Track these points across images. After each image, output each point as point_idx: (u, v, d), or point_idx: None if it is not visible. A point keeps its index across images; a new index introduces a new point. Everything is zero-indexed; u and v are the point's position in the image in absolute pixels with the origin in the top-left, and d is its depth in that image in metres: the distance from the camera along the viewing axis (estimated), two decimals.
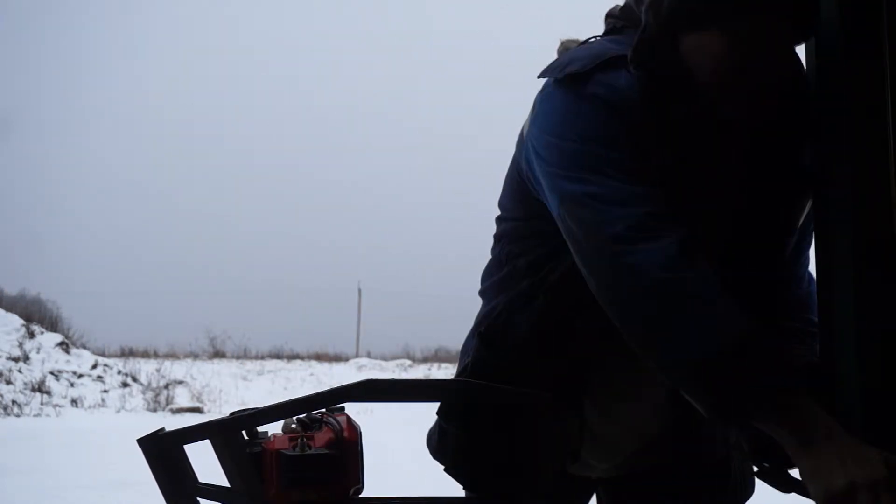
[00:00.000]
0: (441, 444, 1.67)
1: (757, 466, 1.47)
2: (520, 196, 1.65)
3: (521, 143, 1.64)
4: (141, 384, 14.97)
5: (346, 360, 22.24)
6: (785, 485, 1.41)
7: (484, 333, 1.62)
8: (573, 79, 1.51)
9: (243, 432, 1.45)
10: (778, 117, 1.54)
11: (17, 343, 14.60)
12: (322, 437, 1.42)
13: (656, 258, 1.36)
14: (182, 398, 14.22)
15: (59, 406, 13.14)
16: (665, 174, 1.48)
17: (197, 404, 13.81)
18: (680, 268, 1.35)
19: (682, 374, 1.34)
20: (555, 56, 1.66)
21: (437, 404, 1.62)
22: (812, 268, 1.51)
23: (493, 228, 1.80)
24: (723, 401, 1.31)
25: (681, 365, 1.33)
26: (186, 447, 1.45)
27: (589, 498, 1.81)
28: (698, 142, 1.52)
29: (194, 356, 21.89)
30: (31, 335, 15.09)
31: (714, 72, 1.46)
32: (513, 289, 1.62)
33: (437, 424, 1.69)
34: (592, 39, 1.65)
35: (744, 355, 1.30)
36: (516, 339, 1.58)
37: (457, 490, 1.64)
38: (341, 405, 1.50)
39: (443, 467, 1.64)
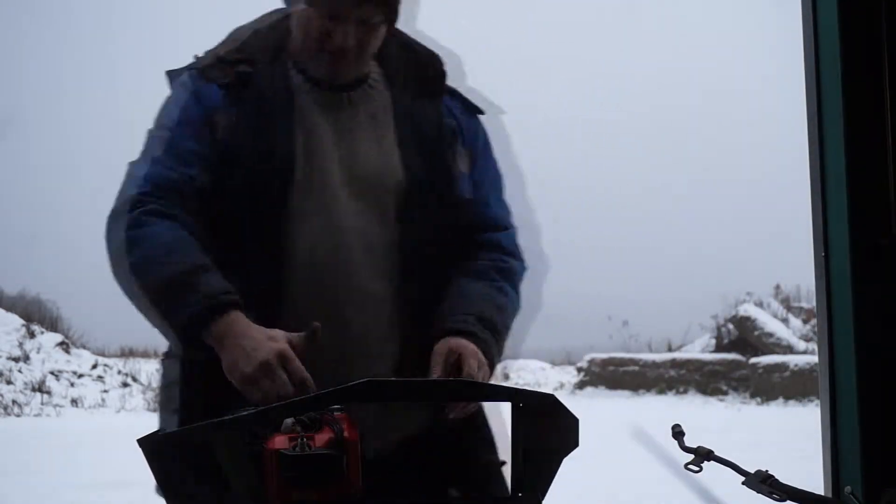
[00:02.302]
0: None
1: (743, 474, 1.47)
2: None
3: None
4: (141, 384, 14.97)
5: None
6: (779, 493, 1.41)
7: None
8: (170, 74, 1.85)
9: (243, 433, 1.45)
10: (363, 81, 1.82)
11: (17, 343, 14.60)
12: (322, 436, 1.42)
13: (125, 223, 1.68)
14: None
15: (60, 406, 13.14)
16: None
17: None
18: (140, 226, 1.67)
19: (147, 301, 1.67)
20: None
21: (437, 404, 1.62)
22: (811, 267, 1.51)
23: None
24: (173, 322, 1.65)
25: (144, 292, 1.67)
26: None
27: None
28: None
29: None
30: (31, 335, 15.09)
31: (303, 39, 1.79)
32: None
33: None
34: None
35: (183, 287, 1.62)
36: None
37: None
38: (341, 406, 1.49)
39: None
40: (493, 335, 1.78)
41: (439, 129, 1.86)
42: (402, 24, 1.85)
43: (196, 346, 1.65)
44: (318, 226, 1.75)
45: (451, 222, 1.85)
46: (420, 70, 1.87)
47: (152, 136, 1.81)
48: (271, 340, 1.59)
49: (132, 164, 1.80)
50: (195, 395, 1.74)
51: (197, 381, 1.74)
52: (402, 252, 1.79)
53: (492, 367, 1.76)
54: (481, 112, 1.95)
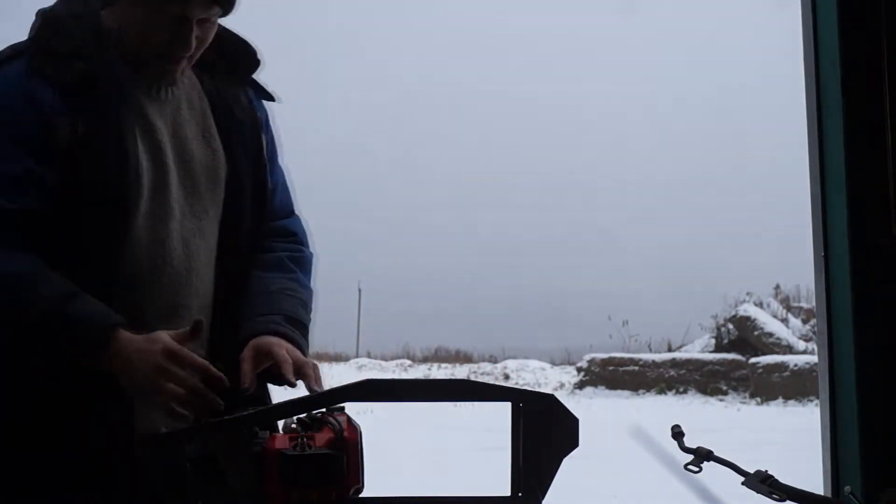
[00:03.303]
0: None
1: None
2: None
3: None
4: None
5: (346, 360, 22.24)
6: (779, 493, 1.41)
7: None
8: None
9: (243, 432, 1.45)
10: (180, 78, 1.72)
11: None
12: (322, 436, 1.42)
13: None
14: None
15: None
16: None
17: None
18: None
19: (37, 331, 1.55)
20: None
21: (437, 404, 1.62)
22: (811, 267, 1.51)
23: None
24: (56, 348, 1.54)
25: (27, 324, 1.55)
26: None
27: None
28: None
29: None
30: None
31: (127, 34, 1.65)
32: None
33: None
34: None
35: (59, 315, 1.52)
36: None
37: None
38: (341, 405, 1.50)
39: None
40: (301, 333, 1.74)
41: (252, 116, 1.80)
42: None
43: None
44: (160, 239, 1.67)
45: (262, 214, 1.80)
46: (231, 57, 1.79)
47: None
48: (153, 343, 1.54)
49: None
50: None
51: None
52: (224, 252, 1.75)
53: None
54: (273, 99, 1.88)
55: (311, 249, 1.92)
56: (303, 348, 1.73)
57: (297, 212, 1.94)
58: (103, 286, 1.60)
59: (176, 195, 1.69)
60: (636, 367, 16.71)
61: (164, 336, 1.55)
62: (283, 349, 1.67)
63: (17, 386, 1.63)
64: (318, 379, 1.67)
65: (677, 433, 1.65)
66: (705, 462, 1.59)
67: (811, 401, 14.29)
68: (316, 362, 1.71)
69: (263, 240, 1.83)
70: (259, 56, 1.82)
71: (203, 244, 1.72)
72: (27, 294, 1.54)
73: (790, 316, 18.05)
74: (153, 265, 1.66)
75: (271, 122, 1.89)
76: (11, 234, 1.56)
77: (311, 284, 1.87)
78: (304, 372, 1.65)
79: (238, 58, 1.81)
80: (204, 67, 1.76)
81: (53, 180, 1.58)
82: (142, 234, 1.65)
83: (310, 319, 1.81)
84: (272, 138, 1.88)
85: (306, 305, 1.80)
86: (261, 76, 1.87)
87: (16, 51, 1.66)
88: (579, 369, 17.30)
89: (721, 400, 15.94)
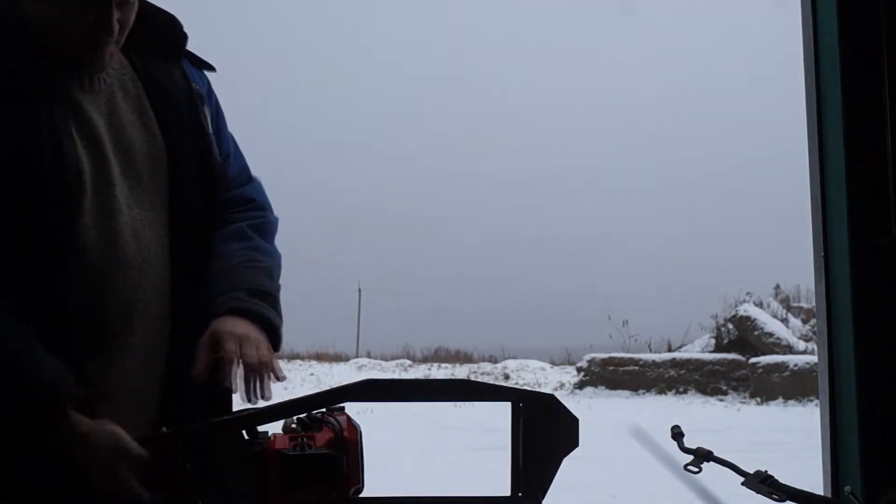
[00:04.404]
0: None
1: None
2: None
3: None
4: None
5: (346, 360, 22.22)
6: (779, 493, 1.41)
7: None
8: None
9: (243, 432, 1.45)
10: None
11: None
12: (322, 436, 1.43)
13: None
14: None
15: None
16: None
17: None
18: None
19: None
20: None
21: (437, 404, 1.62)
22: (811, 267, 1.51)
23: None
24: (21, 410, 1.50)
25: None
26: None
27: None
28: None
29: None
30: None
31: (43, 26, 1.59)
32: None
33: None
34: None
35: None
36: None
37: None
38: (341, 405, 1.50)
39: None
40: (268, 304, 1.70)
41: (188, 90, 1.75)
42: None
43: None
44: (110, 236, 1.62)
45: (213, 191, 1.75)
46: (158, 33, 1.74)
47: None
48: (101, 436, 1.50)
49: None
50: None
51: None
52: (177, 238, 1.70)
53: (276, 335, 1.69)
54: (212, 69, 1.84)
55: (275, 214, 1.88)
56: (269, 319, 1.69)
57: (254, 177, 1.89)
58: (57, 293, 1.56)
59: (120, 188, 1.64)
60: (636, 367, 16.71)
61: (111, 429, 1.50)
62: (234, 342, 1.62)
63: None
64: (263, 388, 1.63)
65: (677, 434, 1.65)
66: (705, 462, 1.59)
67: (811, 401, 14.29)
68: (271, 364, 1.65)
69: (221, 213, 1.78)
70: (184, 28, 1.78)
71: (153, 234, 1.67)
72: None
73: (790, 316, 18.05)
74: (106, 263, 1.62)
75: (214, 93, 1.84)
76: None
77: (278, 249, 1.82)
78: (251, 376, 1.61)
79: (165, 33, 1.76)
80: (132, 48, 1.71)
81: None
82: (90, 233, 1.60)
83: (278, 286, 1.76)
84: (217, 110, 1.83)
85: (271, 273, 1.77)
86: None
87: None
88: (579, 369, 17.30)
89: (721, 400, 15.94)
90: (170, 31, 1.77)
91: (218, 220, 1.78)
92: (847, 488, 1.56)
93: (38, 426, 1.51)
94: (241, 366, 1.63)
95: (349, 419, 1.47)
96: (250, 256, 1.75)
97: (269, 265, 1.78)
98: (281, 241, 1.89)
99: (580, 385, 16.78)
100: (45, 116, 1.58)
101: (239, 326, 1.65)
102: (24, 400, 1.51)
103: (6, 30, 1.62)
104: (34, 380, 1.50)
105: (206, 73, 1.85)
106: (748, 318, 17.07)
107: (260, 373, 1.64)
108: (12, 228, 1.55)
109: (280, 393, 1.65)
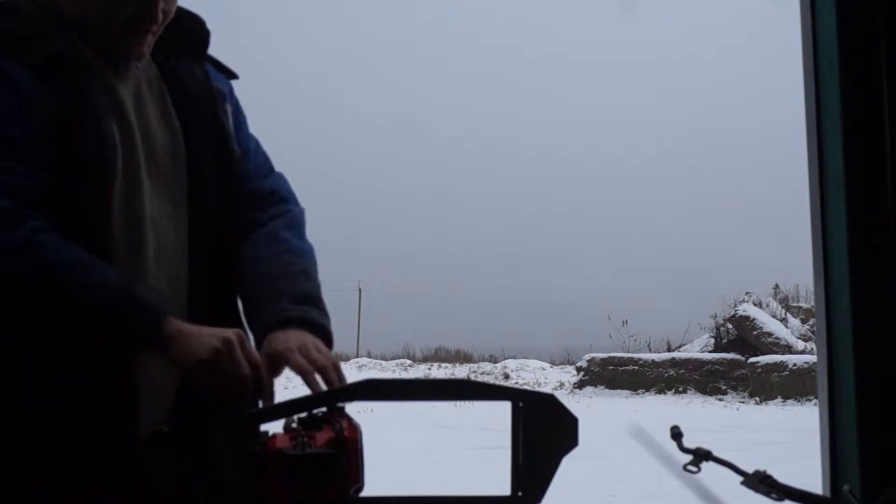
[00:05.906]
0: None
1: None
2: None
3: None
4: None
5: (346, 360, 22.24)
6: (778, 492, 1.42)
7: None
8: None
9: (244, 432, 1.45)
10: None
11: None
12: (323, 436, 1.43)
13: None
14: None
15: None
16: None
17: None
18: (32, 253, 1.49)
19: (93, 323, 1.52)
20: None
21: (437, 404, 1.62)
22: (810, 267, 1.51)
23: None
24: (121, 340, 1.53)
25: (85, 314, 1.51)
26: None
27: None
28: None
29: None
30: None
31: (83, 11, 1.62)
32: None
33: None
34: None
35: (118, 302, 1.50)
36: None
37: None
38: (341, 405, 1.50)
39: None
40: (312, 305, 1.71)
41: (207, 88, 1.77)
42: None
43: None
44: (134, 220, 1.64)
45: (233, 186, 1.77)
46: (182, 32, 1.76)
47: None
48: (211, 331, 1.55)
49: None
50: None
51: None
52: (195, 232, 1.71)
53: (327, 335, 1.70)
54: (235, 76, 1.87)
55: (301, 205, 1.88)
56: (318, 321, 1.69)
57: (276, 170, 1.90)
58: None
59: (144, 176, 1.66)
60: (635, 367, 16.73)
61: (221, 329, 1.55)
62: (296, 353, 1.62)
63: (39, 379, 1.58)
64: (342, 382, 1.62)
65: (676, 434, 1.65)
66: (704, 462, 1.60)
67: (810, 400, 14.31)
68: (337, 362, 1.66)
69: (247, 210, 1.79)
70: (209, 29, 1.80)
71: (171, 226, 1.69)
72: (94, 276, 1.51)
73: (789, 316, 18.07)
74: (128, 246, 1.63)
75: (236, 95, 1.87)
76: (38, 208, 1.53)
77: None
78: (328, 378, 1.60)
79: (189, 32, 1.78)
80: (156, 46, 1.72)
81: (45, 159, 1.55)
82: (117, 214, 1.62)
83: (318, 284, 1.77)
84: (237, 108, 1.85)
85: (309, 274, 1.76)
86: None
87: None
88: (579, 369, 17.31)
89: (720, 399, 15.95)
90: (195, 30, 1.79)
91: (245, 223, 1.79)
92: (846, 487, 1.56)
93: (154, 341, 1.53)
94: (300, 373, 1.62)
95: (349, 419, 1.48)
96: (286, 261, 1.75)
97: (306, 266, 1.77)
98: None
99: (580, 384, 16.79)
100: (86, 94, 1.59)
101: (292, 338, 1.64)
102: (142, 320, 1.52)
103: (44, 10, 1.63)
104: (149, 299, 1.54)
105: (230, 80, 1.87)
106: (747, 317, 17.09)
107: (337, 370, 1.63)
108: (50, 199, 1.55)
109: (281, 393, 1.66)
